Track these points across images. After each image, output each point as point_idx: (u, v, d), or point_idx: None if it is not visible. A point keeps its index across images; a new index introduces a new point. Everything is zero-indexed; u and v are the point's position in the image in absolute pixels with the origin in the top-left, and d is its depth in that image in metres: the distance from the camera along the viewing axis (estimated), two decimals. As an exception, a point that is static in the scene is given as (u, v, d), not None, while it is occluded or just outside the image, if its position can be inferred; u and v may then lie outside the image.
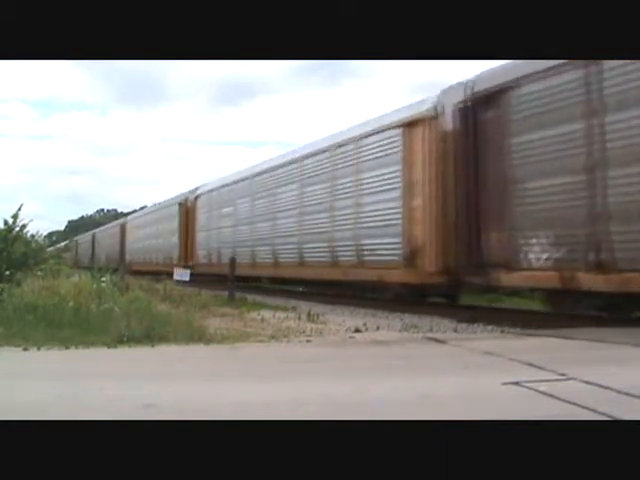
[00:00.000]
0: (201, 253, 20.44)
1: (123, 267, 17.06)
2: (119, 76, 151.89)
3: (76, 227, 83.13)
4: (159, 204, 29.24)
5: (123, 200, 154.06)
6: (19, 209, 11.64)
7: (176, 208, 23.55)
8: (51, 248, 19.97)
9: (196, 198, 21.56)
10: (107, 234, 40.35)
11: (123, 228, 34.55)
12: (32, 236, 13.07)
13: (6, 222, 11.38)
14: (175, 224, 23.45)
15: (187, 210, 22.42)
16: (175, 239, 23.31)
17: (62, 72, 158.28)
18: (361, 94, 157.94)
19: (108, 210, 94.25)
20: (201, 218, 20.86)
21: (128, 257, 31.19)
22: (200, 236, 20.73)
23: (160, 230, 25.92)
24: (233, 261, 13.99)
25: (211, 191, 20.18)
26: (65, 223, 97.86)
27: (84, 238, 52.56)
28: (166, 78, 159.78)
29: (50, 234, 48.68)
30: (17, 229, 11.47)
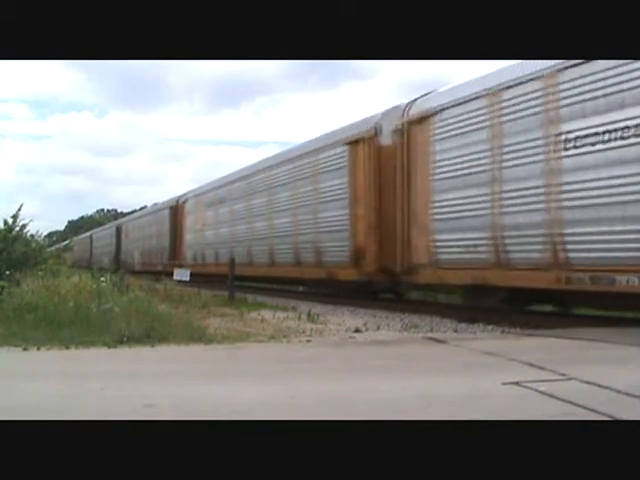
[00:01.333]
0: (446, 239, 9.29)
1: (124, 268, 16.95)
2: (118, 77, 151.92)
3: (76, 227, 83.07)
4: (272, 157, 16.40)
5: (122, 200, 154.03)
6: (19, 209, 11.66)
7: (343, 153, 11.66)
8: (51, 248, 19.92)
9: (424, 120, 9.76)
10: (143, 223, 29.39)
11: (177, 211, 23.08)
12: (32, 236, 13.09)
13: (6, 222, 11.39)
14: (342, 184, 11.59)
15: (379, 153, 10.82)
16: (342, 216, 11.56)
17: (61, 73, 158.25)
18: (360, 94, 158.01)
19: (108, 210, 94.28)
20: (448, 159, 9.25)
21: (190, 256, 20.68)
22: (444, 202, 9.32)
23: (284, 201, 14.15)
24: (232, 261, 13.90)
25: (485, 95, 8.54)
26: (65, 223, 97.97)
27: (102, 232, 42.35)
28: (165, 78, 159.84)
29: (50, 234, 47.91)
30: (17, 229, 11.49)
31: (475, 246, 8.72)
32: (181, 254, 21.75)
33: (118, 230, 34.93)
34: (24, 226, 11.82)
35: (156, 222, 26.55)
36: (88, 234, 49.34)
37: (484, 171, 8.51)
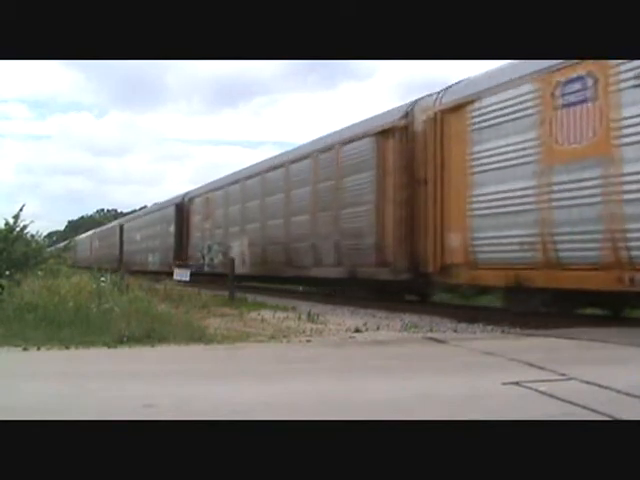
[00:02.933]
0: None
1: (123, 267, 16.76)
2: (117, 77, 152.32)
3: (76, 227, 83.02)
4: None
5: (122, 200, 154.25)
6: (21, 209, 11.65)
7: None
8: (51, 248, 19.86)
9: None
10: (257, 188, 16.13)
11: (386, 144, 10.64)
12: (32, 236, 13.08)
13: (7, 222, 11.39)
14: None
15: None
16: None
17: (60, 73, 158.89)
18: (358, 94, 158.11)
19: (108, 210, 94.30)
20: None
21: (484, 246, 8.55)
22: None
23: None
24: (232, 261, 13.90)
25: None
26: (65, 223, 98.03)
27: (143, 219, 29.23)
28: (163, 79, 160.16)
29: (50, 234, 47.39)
30: (18, 229, 11.48)
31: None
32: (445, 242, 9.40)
33: (180, 211, 22.31)
34: (25, 227, 11.83)
35: (312, 176, 12.97)
36: (113, 224, 37.88)
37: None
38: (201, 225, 20.18)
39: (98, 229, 44.66)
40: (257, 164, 17.63)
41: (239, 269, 14.84)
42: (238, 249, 16.67)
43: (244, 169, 18.50)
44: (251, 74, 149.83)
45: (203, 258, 16.76)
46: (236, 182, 18.02)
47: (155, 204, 28.31)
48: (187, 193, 23.22)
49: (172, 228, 22.57)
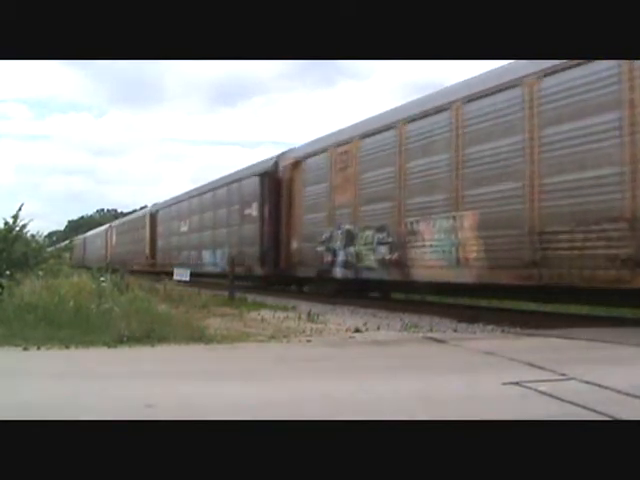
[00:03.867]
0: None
1: (124, 267, 16.79)
2: (115, 77, 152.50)
3: (76, 227, 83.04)
4: None
5: (121, 200, 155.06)
6: (19, 209, 11.66)
7: None
8: (51, 248, 19.79)
9: None
10: (510, 119, 7.86)
11: None
12: (32, 236, 13.10)
13: (6, 222, 11.40)
14: None
15: None
16: None
17: (59, 73, 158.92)
18: (357, 94, 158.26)
19: (108, 210, 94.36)
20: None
21: None
22: None
23: None
24: (233, 259, 13.90)
25: None
26: (65, 223, 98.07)
27: (185, 204, 21.99)
28: (162, 79, 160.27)
29: (50, 234, 47.02)
30: (17, 229, 11.50)
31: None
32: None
33: (270, 183, 14.39)
34: (24, 226, 11.84)
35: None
36: (141, 213, 30.02)
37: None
38: (323, 201, 12.30)
39: (117, 221, 37.14)
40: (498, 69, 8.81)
41: (439, 274, 9.08)
42: (437, 236, 9.35)
43: (453, 85, 9.86)
44: (250, 74, 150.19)
45: (334, 255, 10.93)
46: (443, 109, 9.38)
47: (224, 177, 19.00)
48: (281, 155, 14.83)
49: (254, 210, 14.85)
